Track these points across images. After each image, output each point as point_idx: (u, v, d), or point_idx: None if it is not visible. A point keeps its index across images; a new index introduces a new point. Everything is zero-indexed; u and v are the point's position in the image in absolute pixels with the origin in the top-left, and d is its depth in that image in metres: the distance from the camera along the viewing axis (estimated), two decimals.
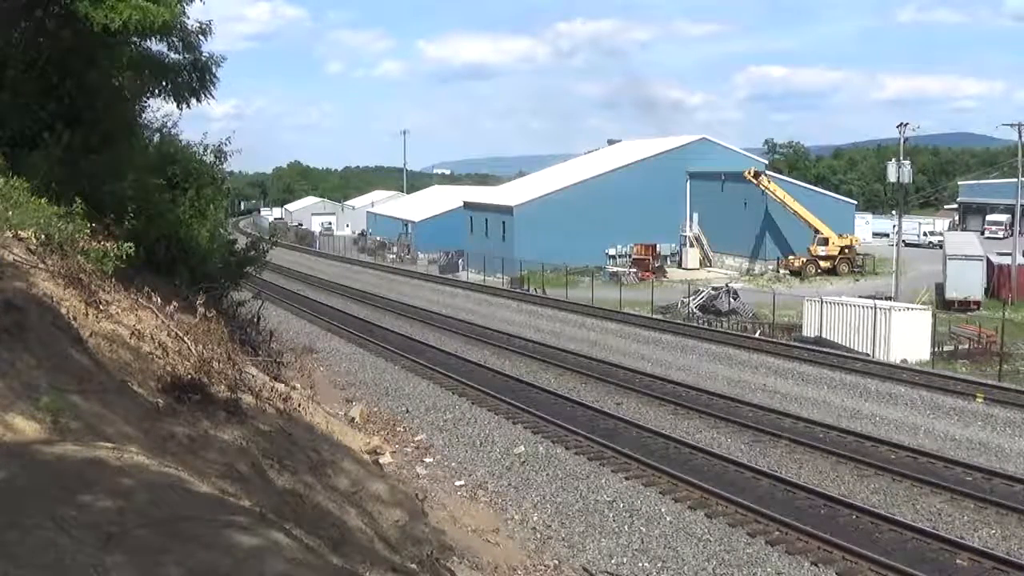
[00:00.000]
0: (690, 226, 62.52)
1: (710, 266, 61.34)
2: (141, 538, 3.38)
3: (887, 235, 70.26)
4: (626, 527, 13.42)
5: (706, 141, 67.48)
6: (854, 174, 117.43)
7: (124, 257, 10.19)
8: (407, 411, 20.40)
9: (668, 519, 13.63)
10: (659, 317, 37.60)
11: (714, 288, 43.44)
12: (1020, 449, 17.68)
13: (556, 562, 12.21)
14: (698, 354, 27.91)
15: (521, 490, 15.11)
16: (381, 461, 14.12)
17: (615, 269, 56.02)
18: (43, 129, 12.32)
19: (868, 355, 28.16)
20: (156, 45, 15.60)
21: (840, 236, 56.26)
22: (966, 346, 31.01)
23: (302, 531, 4.93)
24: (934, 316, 31.00)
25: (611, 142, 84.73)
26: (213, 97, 16.31)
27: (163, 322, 9.50)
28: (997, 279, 43.52)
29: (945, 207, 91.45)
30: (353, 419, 17.79)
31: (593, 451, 16.92)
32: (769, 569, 11.95)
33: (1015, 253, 44.15)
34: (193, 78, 15.81)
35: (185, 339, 9.25)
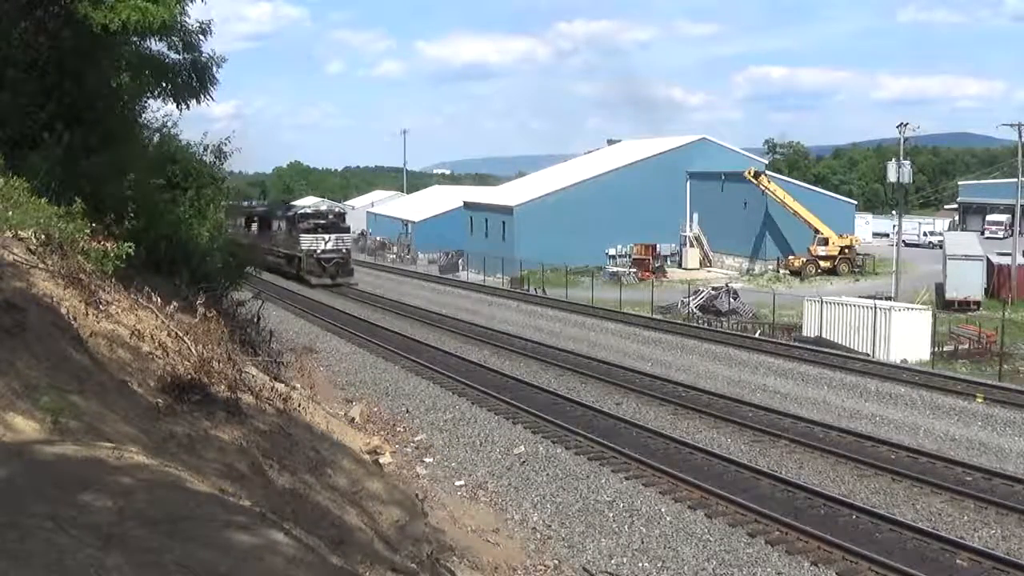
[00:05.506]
0: (690, 226, 62.54)
1: (710, 266, 61.36)
2: (141, 538, 3.39)
3: (887, 235, 70.39)
4: (626, 527, 13.42)
5: (706, 141, 67.55)
6: (854, 174, 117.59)
7: (124, 257, 10.19)
8: (407, 411, 20.40)
9: (668, 519, 13.63)
10: (659, 317, 37.62)
11: (714, 288, 43.48)
12: (1020, 449, 17.68)
13: (556, 562, 12.21)
14: (698, 354, 27.90)
15: (521, 490, 15.10)
16: (381, 461, 14.10)
17: (615, 269, 56.05)
18: (43, 129, 12.32)
19: (868, 355, 28.17)
20: (156, 45, 15.64)
21: (840, 236, 56.32)
22: (966, 346, 31.04)
23: (302, 530, 4.93)
24: (934, 316, 31.03)
25: (611, 142, 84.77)
26: (212, 98, 16.33)
27: (163, 322, 9.50)
28: (997, 279, 43.56)
29: (945, 207, 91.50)
30: (353, 419, 17.79)
31: (593, 451, 16.91)
32: (769, 569, 11.95)
33: (1015, 253, 44.19)
34: (193, 79, 15.81)
35: (185, 339, 9.24)
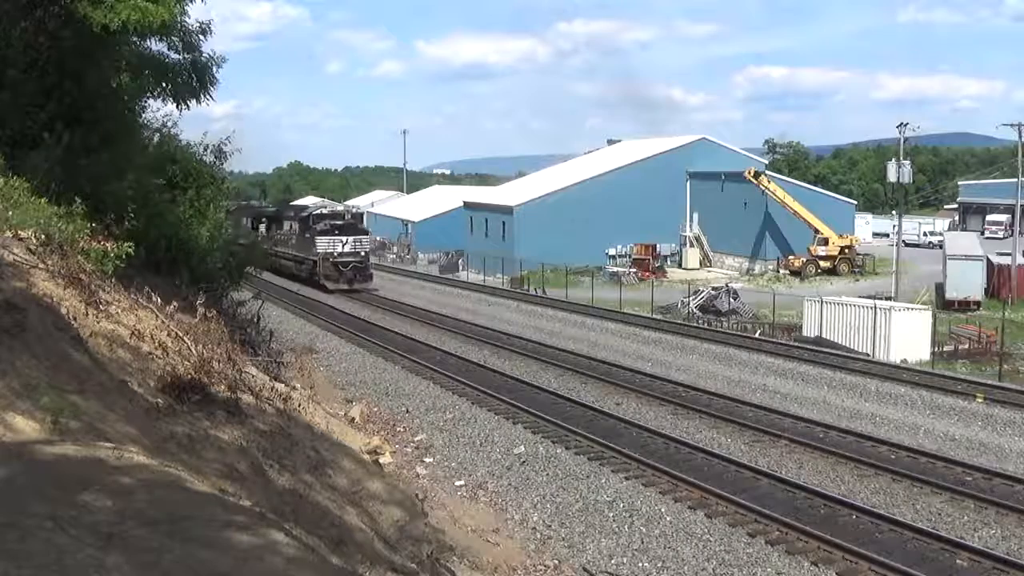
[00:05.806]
0: (690, 226, 62.57)
1: (710, 266, 61.38)
2: (141, 538, 3.38)
3: (887, 235, 70.39)
4: (626, 527, 13.42)
5: (706, 141, 67.56)
6: (854, 174, 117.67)
7: (124, 257, 10.21)
8: (407, 411, 20.40)
9: (668, 519, 13.63)
10: (659, 317, 37.62)
11: (714, 288, 43.48)
12: (1020, 449, 17.69)
13: (556, 562, 12.21)
14: (698, 354, 27.91)
15: (521, 490, 15.11)
16: (381, 461, 14.10)
17: (615, 269, 56.06)
18: (43, 129, 12.33)
19: (868, 355, 28.17)
20: (156, 45, 15.66)
21: (840, 236, 56.34)
22: (966, 346, 31.04)
23: (302, 530, 4.93)
24: (934, 316, 31.02)
25: (611, 142, 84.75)
26: (212, 99, 16.33)
27: (163, 322, 9.50)
28: (997, 279, 43.56)
29: (945, 207, 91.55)
30: (353, 419, 17.79)
31: (593, 451, 16.91)
32: (769, 569, 11.95)
33: (1015, 253, 44.20)
34: (193, 79, 15.82)
35: (185, 339, 9.24)
